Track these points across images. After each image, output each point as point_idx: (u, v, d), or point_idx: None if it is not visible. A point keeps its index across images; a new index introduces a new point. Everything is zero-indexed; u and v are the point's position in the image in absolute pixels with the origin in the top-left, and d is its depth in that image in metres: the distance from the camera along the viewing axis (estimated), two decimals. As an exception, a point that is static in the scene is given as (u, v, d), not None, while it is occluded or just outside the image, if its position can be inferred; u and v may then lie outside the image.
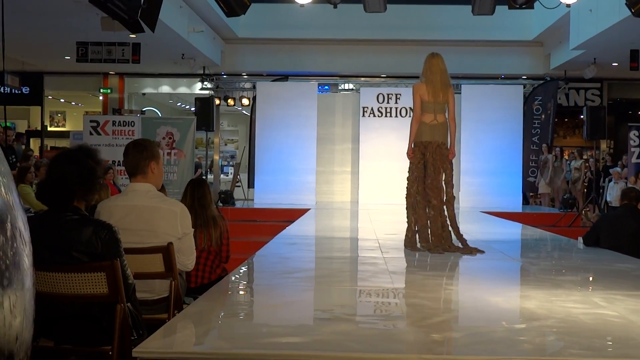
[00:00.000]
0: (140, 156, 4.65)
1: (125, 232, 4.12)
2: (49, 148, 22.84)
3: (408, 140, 7.62)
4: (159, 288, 4.67)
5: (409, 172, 7.63)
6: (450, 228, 7.54)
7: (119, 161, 15.10)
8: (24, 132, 21.84)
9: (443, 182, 7.56)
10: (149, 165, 4.68)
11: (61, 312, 3.81)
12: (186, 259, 4.76)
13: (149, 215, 4.59)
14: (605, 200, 17.71)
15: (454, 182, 7.84)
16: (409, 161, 7.63)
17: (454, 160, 7.95)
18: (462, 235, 7.57)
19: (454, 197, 7.70)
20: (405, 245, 7.63)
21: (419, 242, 7.55)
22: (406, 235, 7.69)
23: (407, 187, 7.64)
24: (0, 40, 9.31)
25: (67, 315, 3.82)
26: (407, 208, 7.67)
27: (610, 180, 17.71)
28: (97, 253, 3.75)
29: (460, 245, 7.47)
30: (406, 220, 7.67)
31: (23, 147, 17.81)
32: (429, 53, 7.88)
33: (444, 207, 7.53)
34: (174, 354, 3.32)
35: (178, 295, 4.67)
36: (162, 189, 5.20)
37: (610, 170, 17.74)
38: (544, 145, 18.77)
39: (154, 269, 4.52)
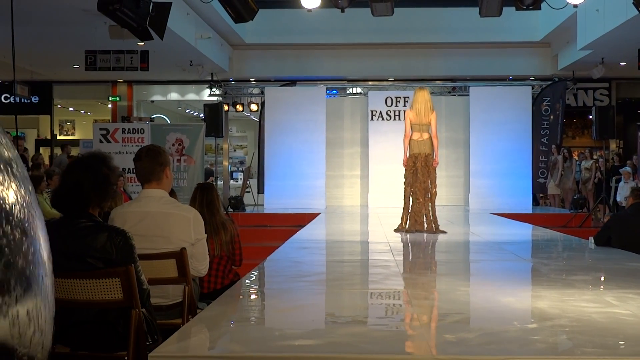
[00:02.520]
0: (155, 162, 4.67)
1: (139, 238, 4.14)
2: (58, 155, 22.91)
3: (403, 153, 10.31)
4: (173, 293, 4.70)
5: (404, 177, 10.31)
6: (431, 216, 10.18)
7: (129, 168, 15.14)
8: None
9: (429, 184, 10.15)
10: (164, 171, 4.71)
11: (77, 318, 3.84)
12: (199, 264, 4.79)
13: (162, 222, 4.62)
14: (615, 201, 17.66)
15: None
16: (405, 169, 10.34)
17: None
18: (437, 220, 10.18)
19: (436, 193, 10.31)
20: (398, 229, 10.29)
21: (407, 227, 10.21)
22: (400, 223, 10.33)
23: (404, 189, 10.33)
24: (10, 50, 9.37)
25: (83, 321, 3.85)
26: (403, 207, 10.33)
27: (618, 181, 17.66)
28: (111, 259, 3.77)
29: (433, 228, 10.09)
30: (402, 213, 10.37)
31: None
32: (417, 87, 10.69)
33: (429, 201, 10.15)
34: (189, 358, 3.34)
35: (192, 300, 4.70)
36: (172, 194, 5.23)
37: (620, 170, 17.69)
38: (553, 146, 18.75)
39: (168, 274, 4.55)
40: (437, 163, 10.24)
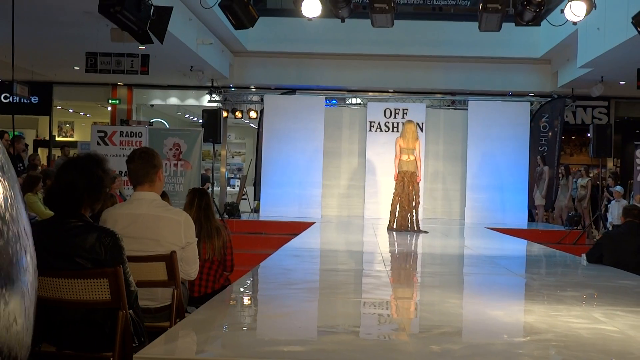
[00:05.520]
0: (148, 164, 4.69)
1: (129, 240, 4.15)
2: (56, 158, 22.90)
3: (394, 170, 13.16)
4: (162, 296, 4.70)
5: (394, 189, 13.10)
6: (414, 220, 12.94)
7: (125, 171, 15.14)
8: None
9: (414, 195, 12.93)
10: (157, 174, 4.73)
11: (64, 318, 3.84)
12: (189, 268, 4.80)
13: (153, 224, 4.62)
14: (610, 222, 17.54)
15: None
16: (395, 182, 13.15)
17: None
18: (419, 223, 13.02)
19: (420, 202, 13.21)
20: (387, 229, 12.95)
21: (395, 227, 12.88)
22: (388, 224, 13.06)
23: (392, 199, 13.09)
24: (10, 49, 9.40)
25: (70, 321, 3.84)
26: (390, 211, 13.10)
27: (609, 201, 17.57)
28: (100, 260, 3.78)
29: (415, 228, 12.81)
30: (389, 215, 13.10)
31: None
32: (405, 120, 14.00)
33: (413, 209, 12.91)
34: (175, 361, 3.35)
35: (180, 303, 4.70)
36: (165, 197, 5.24)
37: (611, 189, 17.62)
38: (539, 157, 18.76)
39: (157, 277, 4.55)
40: (420, 179, 13.26)
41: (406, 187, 12.90)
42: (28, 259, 1.94)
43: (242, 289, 5.62)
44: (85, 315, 3.85)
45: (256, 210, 19.34)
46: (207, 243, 6.10)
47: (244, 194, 19.86)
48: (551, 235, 15.20)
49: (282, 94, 19.70)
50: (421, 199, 13.62)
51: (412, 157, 12.99)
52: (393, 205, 13.09)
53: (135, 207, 4.66)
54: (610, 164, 22.30)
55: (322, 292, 5.89)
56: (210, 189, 18.31)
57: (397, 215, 13.00)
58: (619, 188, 16.95)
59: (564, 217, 17.70)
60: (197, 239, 4.86)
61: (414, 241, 11.31)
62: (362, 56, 20.17)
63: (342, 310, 5.01)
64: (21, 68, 18.76)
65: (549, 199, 18.85)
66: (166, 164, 16.50)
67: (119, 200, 8.95)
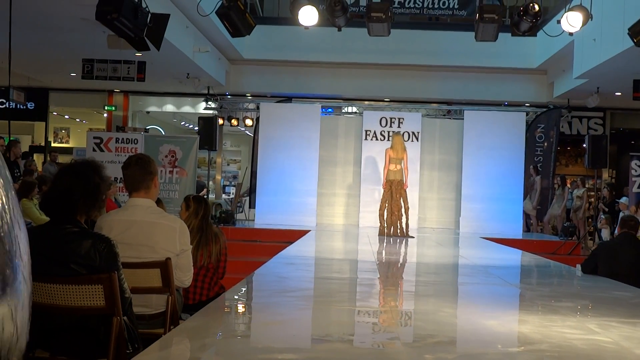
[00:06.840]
0: (144, 171, 4.68)
1: (124, 247, 4.14)
2: (46, 162, 22.82)
3: (383, 178, 14.28)
4: (156, 303, 4.69)
5: (382, 196, 14.21)
6: (404, 226, 13.88)
7: (120, 178, 15.09)
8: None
9: (402, 202, 13.82)
10: (153, 181, 4.72)
11: (58, 324, 3.82)
12: (183, 275, 4.79)
13: (148, 231, 4.62)
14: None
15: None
16: (383, 190, 14.27)
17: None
18: (408, 228, 13.97)
19: (409, 207, 14.02)
20: (379, 234, 13.92)
21: (385, 232, 13.82)
22: (379, 230, 14.07)
23: (380, 205, 14.16)
24: (6, 55, 9.40)
25: (64, 327, 3.83)
26: (379, 215, 14.10)
27: (604, 212, 17.55)
28: (95, 266, 3.76)
29: (404, 234, 13.71)
30: (378, 223, 14.17)
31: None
32: (394, 133, 15.19)
33: (402, 215, 13.83)
34: (168, 368, 3.34)
35: (175, 310, 4.69)
36: (160, 204, 5.24)
37: (617, 201, 17.57)
38: (531, 167, 18.77)
39: (152, 283, 4.54)
40: (407, 186, 14.12)
41: (394, 194, 13.85)
42: (23, 265, 1.94)
43: (236, 297, 5.62)
44: (80, 321, 3.84)
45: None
46: (204, 249, 6.11)
47: (238, 202, 19.83)
48: (546, 246, 15.20)
49: (278, 101, 19.70)
50: (416, 208, 14.81)
51: (399, 167, 13.96)
52: (381, 210, 14.12)
53: (130, 213, 4.66)
54: (605, 174, 22.34)
55: (316, 300, 5.88)
56: (207, 195, 18.28)
57: (385, 220, 13.93)
58: (624, 199, 16.91)
59: (559, 226, 17.70)
60: (191, 247, 4.86)
61: (408, 250, 11.31)
62: (359, 65, 20.19)
63: (336, 318, 5.00)
64: (17, 74, 18.75)
65: (542, 209, 18.85)
66: (162, 170, 16.48)
67: (108, 207, 8.95)
